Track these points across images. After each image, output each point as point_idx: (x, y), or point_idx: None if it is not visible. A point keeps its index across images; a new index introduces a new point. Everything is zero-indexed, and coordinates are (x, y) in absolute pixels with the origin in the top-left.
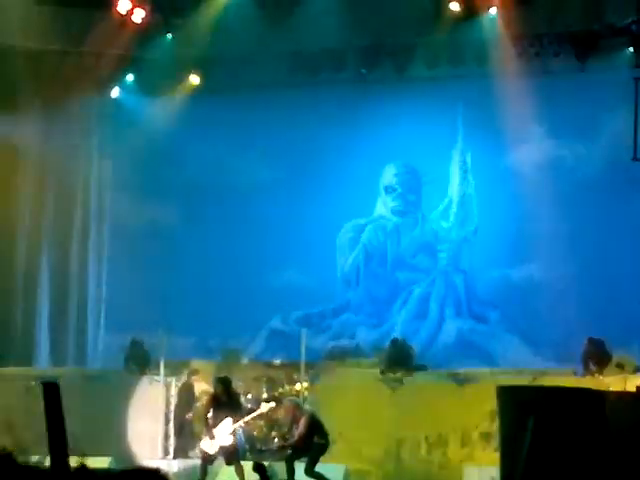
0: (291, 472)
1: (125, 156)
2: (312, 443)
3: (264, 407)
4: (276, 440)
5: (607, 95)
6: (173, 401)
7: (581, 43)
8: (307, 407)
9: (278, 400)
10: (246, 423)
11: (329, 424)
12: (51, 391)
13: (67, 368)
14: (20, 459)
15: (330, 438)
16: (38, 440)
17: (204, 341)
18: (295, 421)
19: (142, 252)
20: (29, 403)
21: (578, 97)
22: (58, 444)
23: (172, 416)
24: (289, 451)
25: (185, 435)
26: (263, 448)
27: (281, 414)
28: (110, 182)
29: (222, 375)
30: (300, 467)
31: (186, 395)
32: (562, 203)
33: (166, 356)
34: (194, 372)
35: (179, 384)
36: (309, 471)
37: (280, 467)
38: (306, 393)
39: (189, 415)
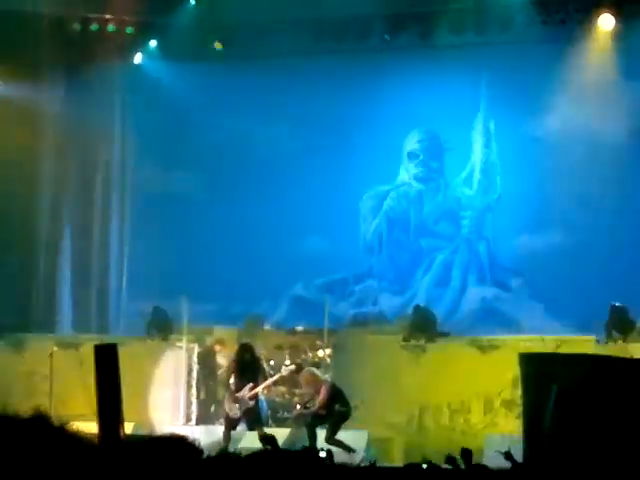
0: (313, 439)
1: (148, 122)
2: (333, 410)
3: (284, 370)
4: (298, 407)
5: (632, 62)
6: (195, 367)
7: (605, 10)
8: (326, 376)
9: (299, 366)
10: (268, 389)
11: (351, 391)
12: (106, 354)
13: (89, 335)
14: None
15: (352, 405)
16: (59, 406)
17: (226, 308)
18: (316, 390)
19: (165, 219)
20: (51, 369)
21: (603, 64)
22: (110, 411)
23: (194, 382)
24: (310, 418)
25: (207, 401)
26: (285, 415)
27: (302, 381)
28: (132, 149)
29: (245, 341)
30: (322, 434)
31: (208, 361)
32: (585, 170)
33: (188, 322)
34: (216, 338)
35: (201, 350)
36: (330, 438)
37: (302, 434)
38: (328, 360)
39: (211, 381)
